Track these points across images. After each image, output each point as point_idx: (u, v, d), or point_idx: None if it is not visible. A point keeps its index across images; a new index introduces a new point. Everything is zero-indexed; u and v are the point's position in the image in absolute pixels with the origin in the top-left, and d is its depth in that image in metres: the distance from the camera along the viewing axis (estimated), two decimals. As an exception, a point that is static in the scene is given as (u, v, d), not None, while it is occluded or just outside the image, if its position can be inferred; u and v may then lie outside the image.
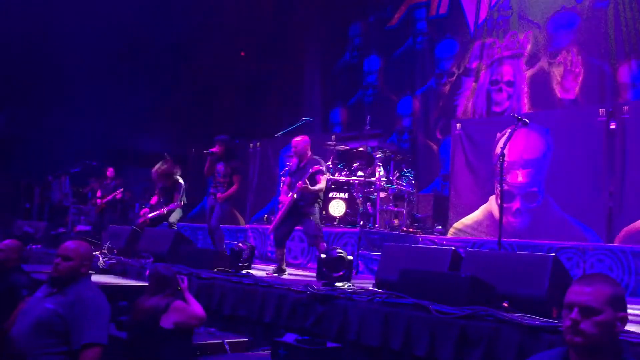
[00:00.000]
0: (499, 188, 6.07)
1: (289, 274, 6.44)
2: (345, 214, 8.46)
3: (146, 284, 4.52)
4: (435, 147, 11.52)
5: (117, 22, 11.99)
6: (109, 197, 10.59)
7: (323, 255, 5.36)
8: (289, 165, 7.94)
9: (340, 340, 4.13)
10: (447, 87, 11.51)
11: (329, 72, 14.04)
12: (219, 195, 7.23)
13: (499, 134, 8.35)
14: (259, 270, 6.53)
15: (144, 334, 3.88)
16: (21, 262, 4.90)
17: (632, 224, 7.04)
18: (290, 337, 3.91)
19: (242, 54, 14.43)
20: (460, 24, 11.42)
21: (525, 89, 10.30)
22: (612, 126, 7.41)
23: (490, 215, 8.37)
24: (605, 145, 7.43)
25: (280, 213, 6.52)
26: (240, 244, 6.41)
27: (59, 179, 12.16)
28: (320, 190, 6.41)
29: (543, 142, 8.00)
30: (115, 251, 7.60)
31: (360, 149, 9.07)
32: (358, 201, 8.55)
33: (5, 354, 3.14)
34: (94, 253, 4.37)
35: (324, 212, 8.22)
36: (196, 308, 4.04)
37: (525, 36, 10.39)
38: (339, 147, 9.38)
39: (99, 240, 8.52)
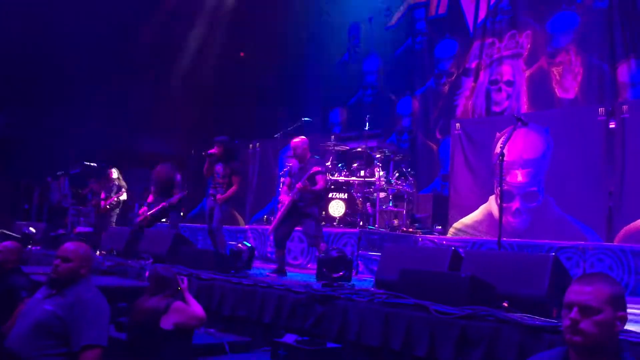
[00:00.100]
0: (499, 188, 6.08)
1: (289, 275, 6.44)
2: (345, 214, 8.46)
3: (146, 285, 4.52)
4: (434, 147, 11.51)
5: (116, 22, 11.99)
6: (112, 199, 10.59)
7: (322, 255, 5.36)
8: (289, 165, 7.94)
9: (340, 341, 4.13)
10: (447, 87, 11.51)
11: (329, 72, 14.03)
12: (218, 196, 7.22)
13: (498, 134, 8.35)
14: (259, 271, 6.53)
15: (143, 335, 3.87)
16: (20, 263, 4.90)
17: (631, 223, 7.04)
18: (290, 338, 3.91)
19: (242, 54, 14.43)
20: (460, 24, 11.41)
21: (525, 89, 10.29)
22: (612, 125, 7.42)
23: (490, 215, 8.37)
24: (604, 144, 7.44)
25: (279, 214, 6.52)
26: (240, 245, 6.41)
27: (58, 180, 12.15)
28: (319, 190, 6.40)
29: (542, 142, 8.00)
30: (115, 252, 7.60)
31: (359, 149, 9.07)
32: (358, 201, 8.54)
33: (3, 356, 3.13)
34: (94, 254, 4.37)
35: (323, 212, 8.22)
36: (196, 309, 4.04)
37: (524, 36, 10.38)
38: (339, 148, 9.38)
39: (99, 241, 8.52)
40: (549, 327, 3.18)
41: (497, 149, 7.78)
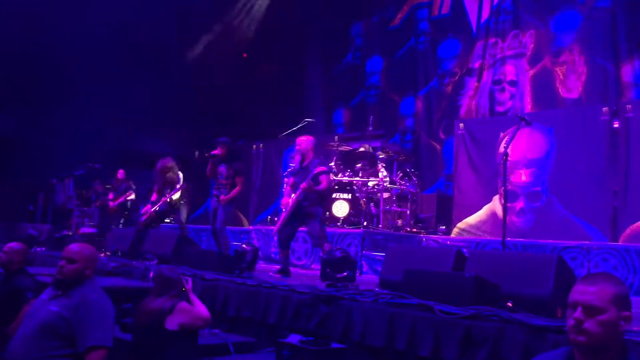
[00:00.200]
0: (503, 188, 6.07)
1: (293, 275, 6.44)
2: (349, 214, 8.46)
3: (151, 285, 4.53)
4: (438, 147, 11.51)
5: (120, 23, 12.01)
6: (120, 199, 10.64)
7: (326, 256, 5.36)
8: (292, 166, 7.94)
9: (345, 341, 4.13)
10: (450, 87, 11.50)
11: (332, 72, 14.04)
12: (222, 197, 7.23)
13: (502, 134, 8.35)
14: (263, 272, 6.53)
15: (149, 335, 3.88)
16: (26, 264, 4.91)
17: (636, 223, 7.03)
18: (294, 338, 3.91)
19: (245, 55, 14.44)
20: (463, 24, 11.41)
21: (528, 89, 10.28)
22: (616, 125, 7.41)
23: (493, 215, 8.37)
24: (608, 144, 7.43)
25: (284, 214, 6.52)
26: (244, 246, 6.42)
27: (62, 182, 12.18)
28: (323, 190, 6.41)
29: (546, 142, 7.99)
30: (120, 253, 7.62)
31: (361, 149, 9.07)
32: (361, 202, 8.55)
33: (8, 357, 3.14)
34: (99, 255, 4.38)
35: (327, 213, 8.22)
36: (201, 309, 4.05)
37: (527, 35, 10.37)
38: (342, 148, 9.38)
39: (104, 242, 8.55)
40: (554, 327, 3.17)
41: (501, 149, 7.78)
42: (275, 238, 7.05)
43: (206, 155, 7.43)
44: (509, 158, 5.82)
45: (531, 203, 8.04)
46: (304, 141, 6.59)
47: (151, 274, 5.32)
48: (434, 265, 4.47)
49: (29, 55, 11.72)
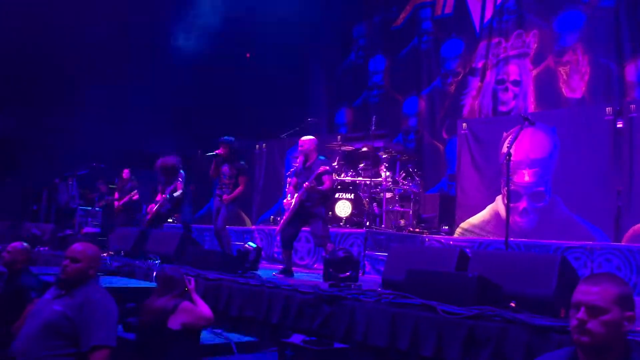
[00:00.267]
0: (506, 188, 6.06)
1: (296, 275, 6.44)
2: (352, 214, 8.46)
3: (154, 285, 4.53)
4: (441, 147, 11.50)
5: (123, 23, 12.02)
6: (125, 199, 10.66)
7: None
8: (295, 166, 7.94)
9: (348, 341, 4.13)
10: (453, 87, 11.49)
11: (335, 72, 14.05)
12: (224, 196, 7.24)
13: (505, 134, 8.33)
14: (266, 271, 6.54)
15: (152, 335, 3.89)
16: (29, 264, 4.92)
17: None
18: (297, 338, 3.92)
19: (248, 55, 14.45)
20: (466, 24, 11.39)
21: (532, 88, 10.27)
22: (619, 125, 7.39)
23: (497, 215, 8.36)
24: (612, 144, 7.41)
25: (287, 214, 6.52)
26: (246, 245, 6.42)
27: (66, 182, 12.20)
28: (326, 190, 6.41)
29: (550, 142, 7.97)
30: (123, 253, 7.63)
31: (364, 149, 9.07)
32: (364, 202, 8.54)
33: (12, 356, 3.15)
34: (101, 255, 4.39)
35: (330, 213, 8.22)
36: (204, 309, 4.06)
37: (531, 35, 10.35)
38: (345, 148, 9.38)
39: (107, 242, 8.56)
40: (557, 327, 3.17)
41: (504, 149, 7.77)
42: (278, 238, 7.05)
43: (208, 155, 7.44)
44: (512, 158, 5.81)
45: (534, 203, 8.03)
46: (307, 142, 6.59)
47: (154, 274, 5.34)
48: (436, 266, 4.46)
49: (31, 55, 11.74)
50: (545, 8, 10.21)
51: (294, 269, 6.60)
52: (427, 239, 8.10)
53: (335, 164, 8.85)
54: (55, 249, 8.69)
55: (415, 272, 4.23)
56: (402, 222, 8.94)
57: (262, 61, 13.90)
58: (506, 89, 10.60)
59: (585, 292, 2.06)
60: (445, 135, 11.45)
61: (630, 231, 7.08)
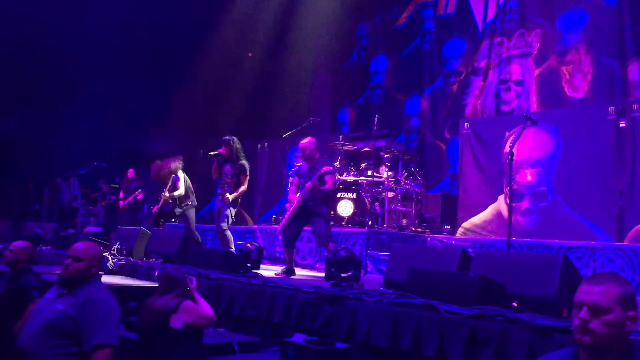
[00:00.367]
0: (508, 187, 6.05)
1: (298, 275, 6.44)
2: (354, 214, 8.46)
3: (155, 284, 4.54)
4: (443, 146, 11.49)
5: (125, 22, 12.03)
6: (130, 198, 10.69)
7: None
8: (297, 165, 7.94)
9: (349, 341, 4.13)
10: (455, 87, 11.48)
11: (337, 72, 14.04)
12: (226, 196, 7.24)
13: (507, 133, 8.32)
14: (268, 271, 6.54)
15: (153, 334, 3.89)
16: (31, 263, 4.93)
17: (642, 223, 7.00)
18: (299, 338, 3.91)
19: (250, 54, 14.45)
20: (468, 23, 11.39)
21: (534, 88, 10.26)
22: (622, 124, 7.38)
23: (499, 214, 8.35)
24: (615, 143, 7.40)
25: (289, 213, 6.52)
26: (248, 245, 6.42)
27: (68, 181, 12.24)
28: (329, 190, 6.41)
29: (552, 141, 7.96)
30: (125, 252, 7.64)
31: (366, 149, 9.06)
32: (366, 201, 8.54)
33: (16, 354, 3.15)
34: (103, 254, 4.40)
35: (332, 212, 8.22)
36: (205, 308, 4.06)
37: (533, 35, 10.34)
38: (347, 147, 9.37)
39: (108, 241, 8.57)
40: (559, 327, 3.16)
41: (507, 149, 7.76)
42: (280, 237, 7.05)
43: (210, 154, 7.44)
44: (514, 157, 5.80)
45: (537, 203, 8.02)
46: (307, 146, 6.54)
47: (156, 273, 5.35)
48: (438, 265, 4.46)
49: (32, 55, 11.76)
50: (547, 7, 10.20)
51: (295, 268, 6.60)
52: (429, 239, 8.09)
53: (337, 163, 8.85)
54: (58, 248, 8.70)
55: (417, 271, 4.23)
56: (404, 221, 8.93)
57: (263, 60, 13.91)
58: (508, 89, 10.59)
59: (588, 292, 2.05)
60: (447, 135, 11.44)
61: (633, 231, 7.07)
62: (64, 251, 6.39)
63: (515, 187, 7.76)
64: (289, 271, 6.37)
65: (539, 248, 6.85)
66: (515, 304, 3.66)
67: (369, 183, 8.66)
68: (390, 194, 8.85)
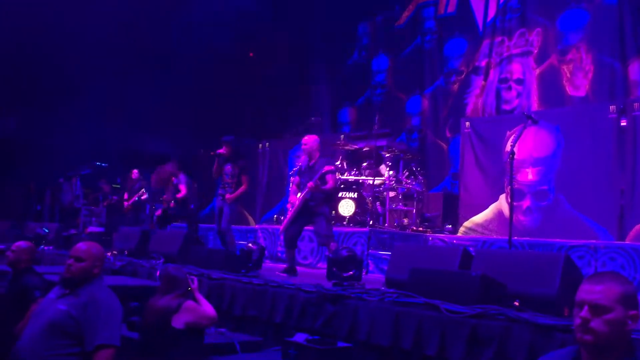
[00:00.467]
0: (509, 186, 6.06)
1: (299, 274, 6.45)
2: (355, 213, 8.46)
3: (157, 284, 4.54)
4: (444, 145, 11.49)
5: (125, 22, 12.03)
6: (134, 198, 10.71)
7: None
8: (299, 165, 7.95)
9: (351, 340, 4.13)
10: (456, 86, 11.48)
11: (337, 71, 14.04)
12: (227, 196, 7.25)
13: (508, 132, 8.32)
14: (269, 271, 6.54)
15: (155, 334, 3.90)
16: (33, 263, 4.94)
17: (643, 222, 7.00)
18: (300, 337, 3.91)
19: (251, 54, 14.46)
20: (469, 23, 11.38)
21: (535, 87, 10.25)
22: (623, 123, 7.37)
23: (500, 213, 8.35)
24: (616, 142, 7.39)
25: (290, 213, 6.53)
26: (250, 245, 6.42)
27: (69, 181, 12.24)
28: (330, 190, 6.41)
29: (553, 140, 7.96)
30: (126, 252, 7.65)
31: (367, 148, 9.06)
32: (367, 201, 8.54)
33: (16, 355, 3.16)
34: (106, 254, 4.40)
35: (333, 211, 8.22)
36: (207, 308, 4.06)
37: (534, 34, 10.33)
38: (348, 147, 9.38)
39: (110, 241, 8.59)
40: (560, 326, 3.16)
41: (508, 148, 7.76)
42: (282, 237, 7.06)
43: (211, 154, 7.45)
44: (515, 157, 5.80)
45: (538, 202, 8.01)
46: (310, 140, 6.60)
47: (157, 273, 5.35)
48: (440, 264, 4.46)
49: (33, 56, 11.77)
50: (548, 6, 10.19)
51: (297, 268, 6.61)
52: (430, 238, 8.10)
53: (339, 163, 8.86)
54: (60, 248, 8.72)
55: (419, 271, 4.23)
56: (406, 221, 8.94)
57: (264, 60, 13.91)
58: (509, 88, 10.58)
59: (589, 291, 2.05)
60: (448, 134, 11.44)
61: (635, 230, 7.06)
62: (66, 251, 6.40)
63: (516, 186, 7.76)
64: (291, 271, 6.37)
65: (541, 247, 6.85)
66: (516, 303, 3.66)
67: (370, 183, 8.67)
68: (392, 194, 8.86)
